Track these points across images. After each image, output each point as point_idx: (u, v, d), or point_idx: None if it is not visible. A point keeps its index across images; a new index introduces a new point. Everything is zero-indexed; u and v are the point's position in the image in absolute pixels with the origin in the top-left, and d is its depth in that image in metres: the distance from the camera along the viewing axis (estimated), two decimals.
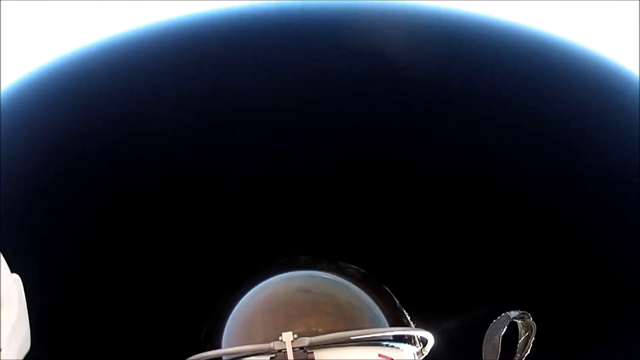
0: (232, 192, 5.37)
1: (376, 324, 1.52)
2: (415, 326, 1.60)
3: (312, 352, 1.38)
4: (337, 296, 1.55)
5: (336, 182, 5.38)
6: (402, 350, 1.53)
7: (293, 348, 1.38)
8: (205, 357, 1.48)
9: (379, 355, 1.46)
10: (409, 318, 1.60)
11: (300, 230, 5.05)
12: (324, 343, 1.40)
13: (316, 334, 1.40)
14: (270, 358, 1.39)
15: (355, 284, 1.61)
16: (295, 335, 1.39)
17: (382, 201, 5.31)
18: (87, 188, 5.78)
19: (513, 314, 1.52)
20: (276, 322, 1.45)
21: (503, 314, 1.52)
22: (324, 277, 1.63)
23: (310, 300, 1.52)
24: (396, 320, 1.55)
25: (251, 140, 5.55)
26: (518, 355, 1.54)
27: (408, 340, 1.55)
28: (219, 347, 1.49)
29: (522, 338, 1.54)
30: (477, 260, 5.04)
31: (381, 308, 1.56)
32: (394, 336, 1.52)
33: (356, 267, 1.66)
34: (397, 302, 1.61)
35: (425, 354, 1.61)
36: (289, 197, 5.29)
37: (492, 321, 1.52)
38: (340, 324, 1.46)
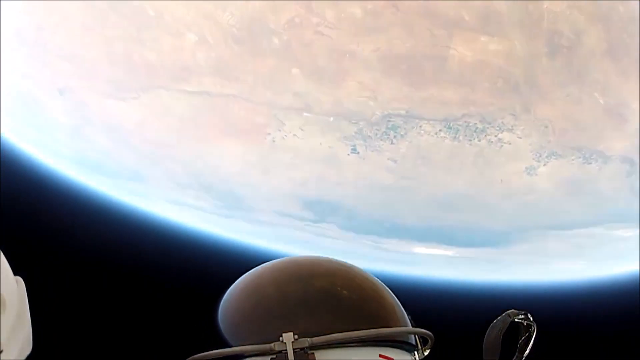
0: None
1: (385, 321, 1.52)
2: (416, 326, 1.60)
3: (313, 353, 1.37)
4: (342, 291, 1.55)
5: None
6: (402, 350, 1.53)
7: (294, 349, 1.37)
8: (205, 357, 1.47)
9: (380, 355, 1.46)
10: (409, 318, 1.60)
11: None
12: (325, 344, 1.39)
13: (318, 334, 1.40)
14: (271, 359, 1.39)
15: (360, 273, 1.62)
16: (296, 336, 1.39)
17: None
18: None
19: (513, 314, 1.52)
20: (277, 320, 1.45)
21: (503, 314, 1.52)
22: (327, 268, 1.63)
23: (313, 297, 1.51)
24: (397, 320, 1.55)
25: None
26: (518, 355, 1.54)
27: (408, 340, 1.56)
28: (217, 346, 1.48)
29: (522, 338, 1.54)
30: None
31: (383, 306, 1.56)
32: (394, 336, 1.53)
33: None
34: (397, 301, 1.61)
35: (426, 353, 1.60)
36: None
37: (492, 321, 1.52)
38: (343, 322, 1.45)
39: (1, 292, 1.14)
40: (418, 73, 5.63)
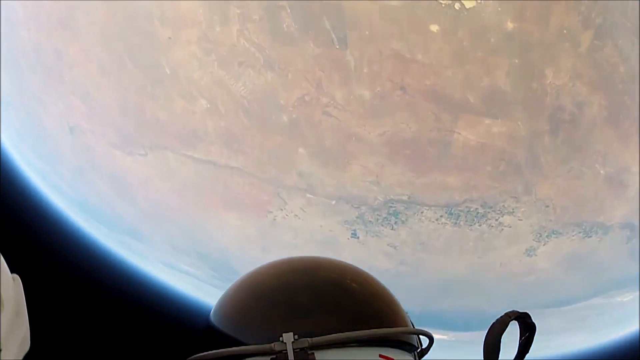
0: None
1: (385, 321, 1.50)
2: (416, 326, 1.57)
3: (313, 353, 1.35)
4: (342, 290, 1.55)
5: None
6: (402, 350, 1.51)
7: (294, 349, 1.35)
8: (205, 357, 1.44)
9: (380, 355, 1.44)
10: (409, 318, 1.57)
11: None
12: (325, 344, 1.37)
13: (318, 334, 1.38)
14: (271, 359, 1.36)
15: (361, 272, 1.60)
16: (296, 336, 1.37)
17: None
18: None
19: (513, 314, 1.50)
20: (277, 320, 1.43)
21: (503, 314, 1.50)
22: (328, 266, 1.62)
23: (314, 294, 1.50)
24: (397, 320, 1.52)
25: None
26: (518, 355, 1.51)
27: (408, 340, 1.53)
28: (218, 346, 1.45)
29: (522, 338, 1.51)
30: None
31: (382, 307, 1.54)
32: (394, 336, 1.50)
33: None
34: (397, 301, 1.59)
35: (426, 354, 1.58)
36: None
37: (492, 321, 1.50)
38: (343, 322, 1.43)
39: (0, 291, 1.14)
40: (422, 158, 5.72)
